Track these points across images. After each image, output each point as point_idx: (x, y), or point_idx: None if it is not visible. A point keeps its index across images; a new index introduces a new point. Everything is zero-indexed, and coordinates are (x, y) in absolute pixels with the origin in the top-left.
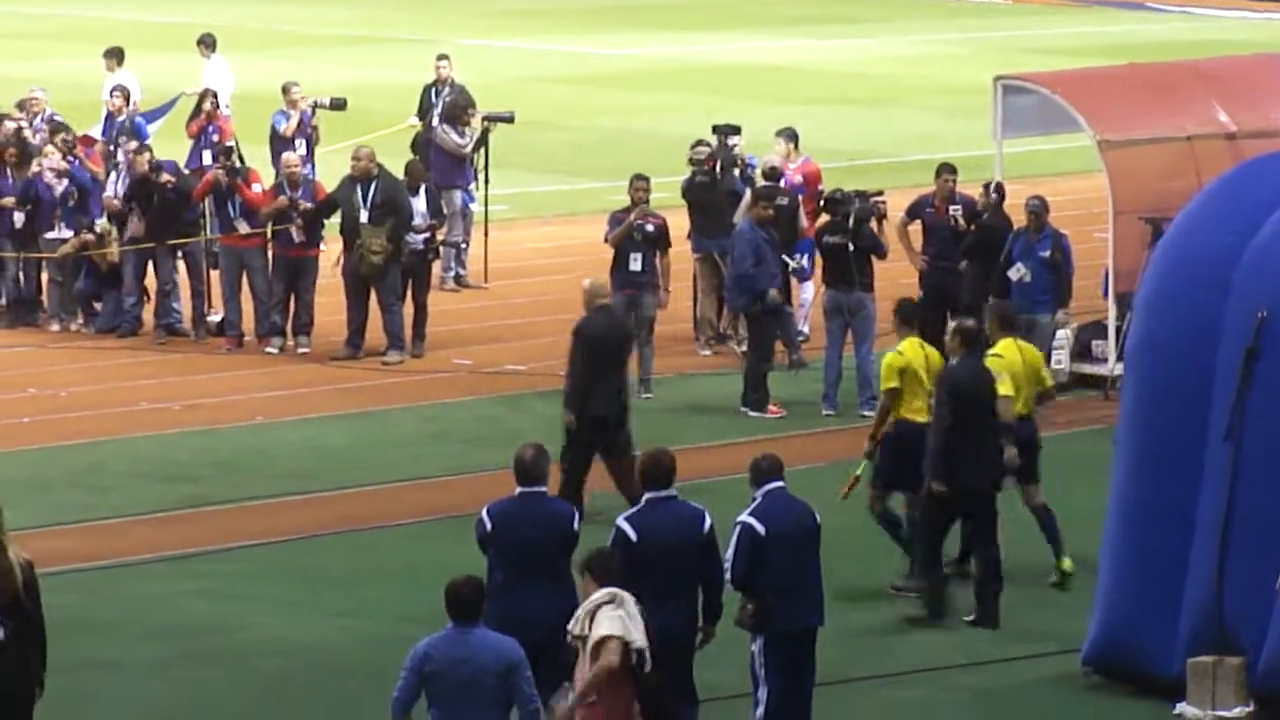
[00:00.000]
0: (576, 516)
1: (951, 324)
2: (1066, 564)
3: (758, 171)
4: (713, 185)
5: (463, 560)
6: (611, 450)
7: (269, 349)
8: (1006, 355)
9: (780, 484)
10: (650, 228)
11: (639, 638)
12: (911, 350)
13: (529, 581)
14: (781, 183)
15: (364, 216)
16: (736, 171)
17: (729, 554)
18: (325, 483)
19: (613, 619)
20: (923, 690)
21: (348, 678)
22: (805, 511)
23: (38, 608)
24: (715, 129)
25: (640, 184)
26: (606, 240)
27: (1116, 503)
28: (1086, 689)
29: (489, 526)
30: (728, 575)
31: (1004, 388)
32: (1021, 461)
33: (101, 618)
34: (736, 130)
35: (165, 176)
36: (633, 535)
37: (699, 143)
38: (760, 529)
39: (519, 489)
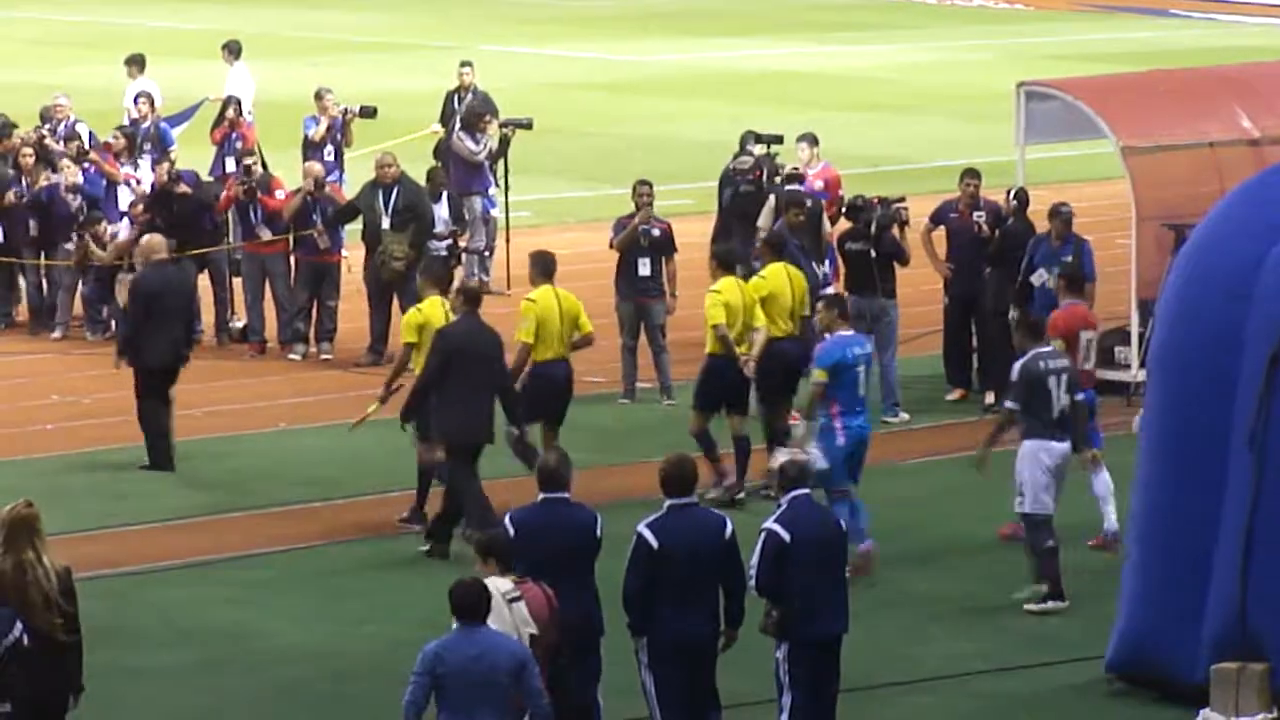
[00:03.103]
0: (599, 523)
1: (455, 287)
2: None
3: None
4: (758, 195)
5: None
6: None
7: (292, 356)
8: (541, 301)
9: (806, 491)
10: (656, 232)
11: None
12: (431, 308)
13: (552, 588)
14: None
15: (386, 223)
16: (779, 180)
17: (754, 561)
18: (347, 489)
19: None
20: (946, 697)
21: (368, 683)
22: (830, 519)
23: (74, 615)
24: (759, 138)
25: (644, 188)
26: (612, 245)
27: (1139, 509)
28: (1110, 696)
29: (512, 532)
30: (752, 582)
31: (524, 335)
32: (553, 404)
33: (124, 624)
34: (779, 139)
35: (183, 187)
36: (654, 542)
37: (742, 152)
38: (785, 536)
39: (542, 495)
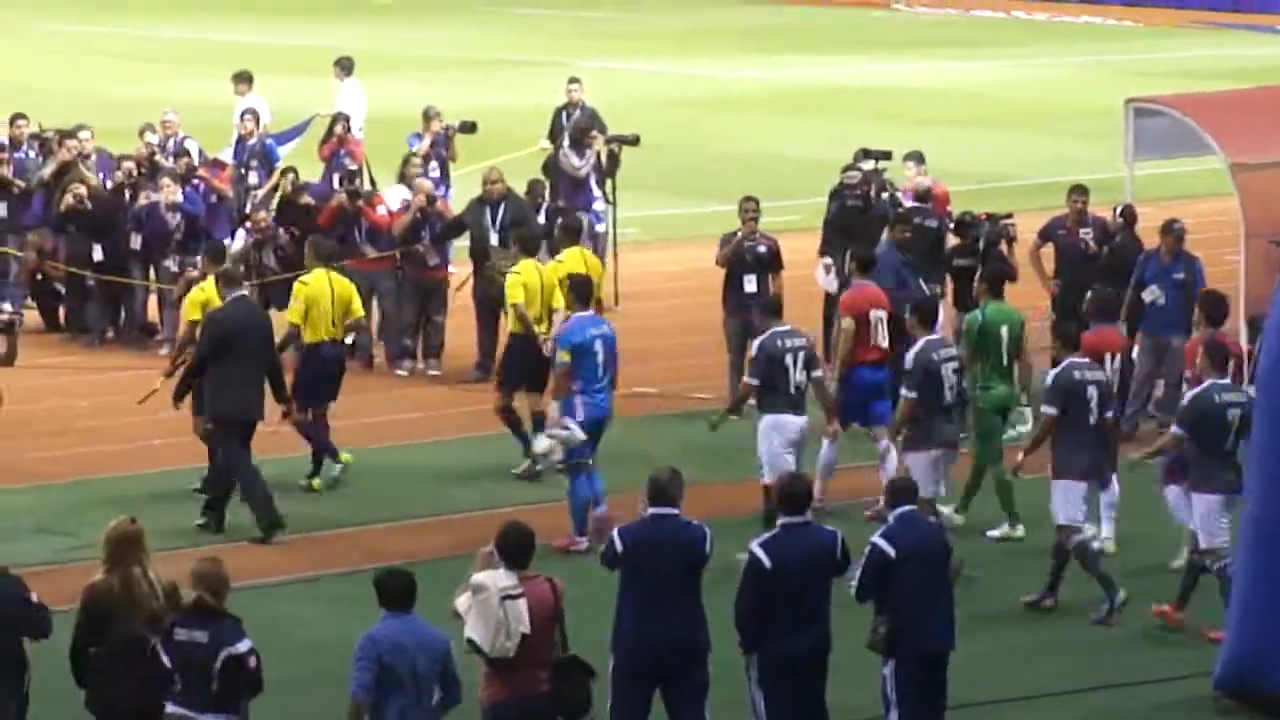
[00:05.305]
0: (709, 538)
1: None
2: (316, 483)
3: (899, 195)
4: (866, 210)
5: (591, 584)
6: None
7: (399, 372)
8: (313, 284)
9: (913, 507)
10: (762, 249)
11: (471, 626)
12: (211, 287)
13: (660, 604)
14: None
15: (494, 238)
16: (886, 196)
17: (858, 572)
18: (454, 505)
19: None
20: (1052, 713)
21: (465, 696)
22: (936, 533)
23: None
24: (867, 153)
25: (749, 205)
26: (717, 262)
27: (1248, 526)
28: (1218, 713)
29: (620, 548)
30: (853, 591)
31: (294, 316)
32: (327, 385)
33: None
34: (887, 155)
35: (307, 198)
36: (766, 562)
37: (850, 167)
38: (890, 551)
39: (650, 510)
